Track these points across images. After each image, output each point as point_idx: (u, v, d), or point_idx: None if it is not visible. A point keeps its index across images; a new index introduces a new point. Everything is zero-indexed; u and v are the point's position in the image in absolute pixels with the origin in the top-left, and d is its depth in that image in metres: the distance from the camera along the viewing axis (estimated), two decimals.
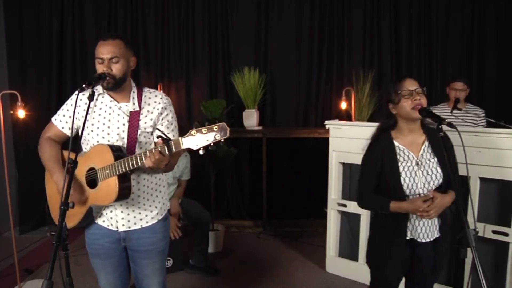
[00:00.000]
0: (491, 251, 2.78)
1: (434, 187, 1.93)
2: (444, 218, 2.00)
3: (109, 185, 1.75)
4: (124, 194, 1.78)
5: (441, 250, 2.02)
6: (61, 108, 1.97)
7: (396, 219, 1.96)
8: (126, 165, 1.70)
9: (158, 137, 1.62)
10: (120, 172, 1.72)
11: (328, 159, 3.50)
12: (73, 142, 1.74)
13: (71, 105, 1.93)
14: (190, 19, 4.73)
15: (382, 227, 2.04)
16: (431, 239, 1.98)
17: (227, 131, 1.52)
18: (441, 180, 1.94)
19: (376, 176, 1.99)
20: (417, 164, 1.94)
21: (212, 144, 1.52)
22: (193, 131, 1.53)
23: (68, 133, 1.94)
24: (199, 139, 1.52)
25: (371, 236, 2.14)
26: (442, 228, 2.00)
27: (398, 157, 1.95)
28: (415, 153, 1.96)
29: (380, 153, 1.97)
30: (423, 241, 1.97)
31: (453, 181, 1.83)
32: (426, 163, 1.95)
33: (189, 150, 1.55)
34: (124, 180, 1.77)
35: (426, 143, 1.98)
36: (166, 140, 1.59)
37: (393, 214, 1.94)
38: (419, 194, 1.93)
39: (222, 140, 1.52)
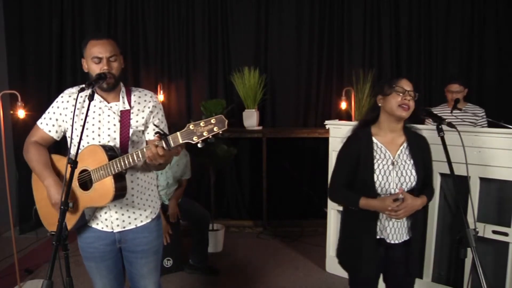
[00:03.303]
0: (491, 251, 2.78)
1: (406, 189, 1.92)
2: (414, 220, 2.00)
3: (105, 185, 1.74)
4: (120, 194, 1.77)
5: (412, 253, 2.00)
6: (47, 111, 1.93)
7: (366, 218, 1.95)
8: (122, 164, 1.68)
9: (155, 133, 1.60)
10: (116, 171, 1.70)
11: (328, 159, 3.50)
12: (68, 145, 1.73)
13: (57, 107, 1.89)
14: (190, 19, 4.74)
15: (353, 226, 2.03)
16: (400, 241, 1.98)
17: (225, 123, 1.49)
18: (414, 183, 1.94)
19: (350, 171, 1.97)
20: (392, 163, 1.94)
21: (210, 136, 1.50)
22: (191, 125, 1.51)
23: (55, 136, 1.92)
24: (197, 132, 1.50)
25: (342, 235, 2.12)
26: (412, 231, 2.00)
27: (374, 153, 1.94)
28: (392, 153, 1.96)
29: (357, 148, 1.96)
30: (392, 242, 1.97)
31: (430, 184, 1.86)
32: (401, 164, 1.94)
33: (188, 144, 1.53)
34: (120, 179, 1.76)
35: (405, 144, 1.98)
36: (164, 135, 1.57)
37: (363, 212, 1.93)
38: (391, 194, 1.93)
39: (221, 132, 1.50)
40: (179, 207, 3.56)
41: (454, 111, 3.47)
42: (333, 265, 3.57)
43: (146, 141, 1.93)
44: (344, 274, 3.45)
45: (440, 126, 1.80)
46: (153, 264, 2.01)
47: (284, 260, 3.84)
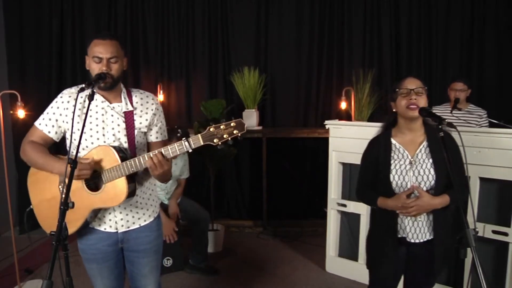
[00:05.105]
0: (491, 251, 2.78)
1: (425, 188, 1.91)
2: (438, 219, 1.96)
3: (117, 186, 1.75)
4: (131, 194, 1.80)
5: (436, 253, 1.96)
6: (45, 112, 1.89)
7: (387, 216, 1.98)
8: (137, 165, 1.71)
9: (179, 135, 1.69)
10: (130, 172, 1.73)
11: (328, 159, 3.50)
12: (68, 145, 1.73)
13: (57, 108, 1.86)
14: (190, 19, 4.74)
15: (376, 224, 2.10)
16: (422, 240, 1.96)
17: (244, 126, 1.63)
18: (433, 182, 1.92)
19: (371, 173, 2.05)
20: (410, 163, 1.94)
21: (230, 139, 1.62)
22: (211, 128, 1.62)
23: (55, 137, 1.89)
24: (218, 135, 1.62)
25: (368, 235, 2.16)
26: (435, 230, 1.96)
27: (392, 154, 1.98)
28: (410, 152, 1.96)
29: (376, 150, 2.02)
30: (412, 241, 1.96)
31: (454, 182, 1.72)
32: (419, 163, 1.94)
33: (209, 146, 1.64)
34: (131, 181, 1.79)
35: (425, 143, 1.97)
36: (185, 137, 1.67)
37: (385, 210, 1.98)
38: None
39: (240, 135, 1.62)
40: (179, 207, 3.56)
41: (457, 112, 3.47)
42: (333, 265, 3.57)
43: (148, 143, 1.94)
44: (344, 274, 3.48)
45: (440, 126, 1.79)
46: (154, 263, 2.02)
47: (284, 260, 3.84)
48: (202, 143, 1.63)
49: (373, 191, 2.04)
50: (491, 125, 3.34)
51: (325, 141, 3.56)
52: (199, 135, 1.63)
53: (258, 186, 4.68)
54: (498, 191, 2.75)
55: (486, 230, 2.72)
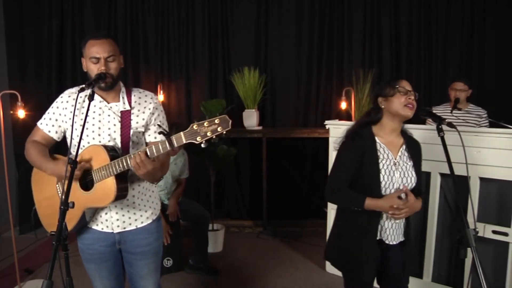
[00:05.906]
0: (491, 251, 2.78)
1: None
2: (408, 222, 2.02)
3: (107, 186, 1.73)
4: (122, 194, 1.77)
5: (407, 254, 2.02)
6: (47, 112, 1.92)
7: (368, 218, 1.93)
8: (124, 164, 1.67)
9: (159, 133, 1.61)
10: (118, 171, 1.70)
11: (328, 159, 3.50)
12: (68, 145, 1.73)
13: (57, 107, 1.89)
14: (190, 19, 4.74)
15: (352, 226, 1.98)
16: (397, 242, 1.99)
17: (229, 123, 1.49)
18: (414, 184, 1.95)
19: (352, 171, 1.92)
20: (394, 164, 1.93)
21: (214, 137, 1.50)
22: (194, 125, 1.51)
23: (55, 136, 1.91)
24: (201, 133, 1.50)
25: (341, 237, 2.05)
26: (406, 232, 2.02)
27: (378, 153, 1.93)
28: (393, 153, 1.96)
29: (362, 148, 1.92)
30: (390, 243, 1.97)
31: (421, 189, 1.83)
32: (403, 164, 1.94)
33: (191, 144, 1.53)
34: (122, 180, 1.76)
35: (404, 146, 1.99)
36: (167, 135, 1.57)
37: (365, 212, 1.90)
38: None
39: (224, 133, 1.50)
40: (179, 207, 3.56)
41: (456, 112, 3.47)
42: None
43: (146, 143, 1.93)
44: None
45: (440, 126, 1.80)
46: (153, 265, 2.00)
47: (284, 260, 3.84)
48: (184, 141, 1.52)
49: (354, 192, 1.92)
50: (491, 125, 3.34)
51: (325, 141, 3.56)
52: (181, 133, 1.53)
53: (258, 186, 4.68)
54: (498, 191, 2.75)
55: (486, 230, 2.72)
